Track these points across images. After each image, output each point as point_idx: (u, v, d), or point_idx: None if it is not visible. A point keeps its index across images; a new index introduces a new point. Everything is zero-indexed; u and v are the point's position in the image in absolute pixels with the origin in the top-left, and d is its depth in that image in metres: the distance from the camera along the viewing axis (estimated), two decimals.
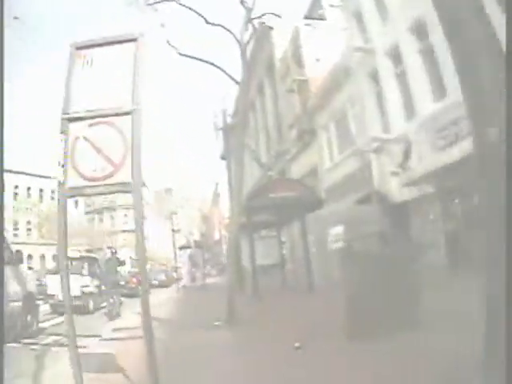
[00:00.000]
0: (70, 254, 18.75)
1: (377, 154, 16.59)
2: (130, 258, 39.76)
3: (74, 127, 3.68)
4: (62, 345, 7.36)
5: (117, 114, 3.65)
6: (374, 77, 16.89)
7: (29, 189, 68.09)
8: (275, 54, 27.13)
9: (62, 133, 3.66)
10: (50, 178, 67.21)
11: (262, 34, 24.26)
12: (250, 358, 6.16)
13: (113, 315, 13.69)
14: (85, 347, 6.65)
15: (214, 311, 10.75)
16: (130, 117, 3.58)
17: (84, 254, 17.72)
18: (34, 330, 9.04)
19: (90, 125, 3.65)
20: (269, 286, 16.72)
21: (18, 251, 8.97)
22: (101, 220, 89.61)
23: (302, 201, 14.77)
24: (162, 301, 19.25)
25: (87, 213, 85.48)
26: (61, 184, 3.75)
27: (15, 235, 60.83)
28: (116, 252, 18.77)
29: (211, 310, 11.64)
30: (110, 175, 3.58)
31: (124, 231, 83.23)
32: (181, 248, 28.80)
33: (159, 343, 4.38)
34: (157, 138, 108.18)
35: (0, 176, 5.15)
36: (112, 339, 8.46)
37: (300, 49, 23.60)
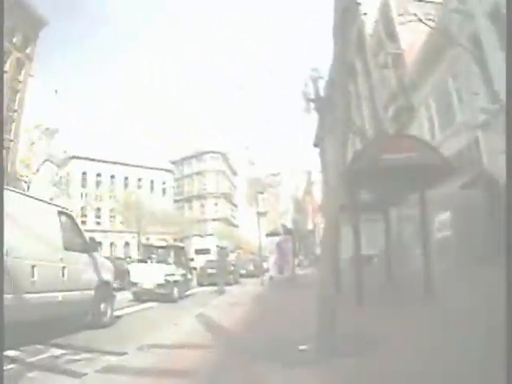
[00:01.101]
0: (157, 243, 19.30)
1: (484, 129, 14.80)
2: (217, 246, 40.10)
3: None
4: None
5: None
6: (476, 42, 15.02)
7: (112, 177, 71.56)
8: (365, 29, 25.79)
9: None
10: (126, 164, 71.42)
11: (351, 9, 22.93)
12: None
13: (221, 292, 17.53)
14: None
15: (299, 322, 7.62)
16: None
17: (170, 243, 18.00)
18: (107, 319, 8.95)
19: None
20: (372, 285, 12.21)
21: (91, 238, 8.87)
22: (190, 208, 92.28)
23: (428, 167, 9.66)
24: (238, 296, 15.90)
25: (176, 201, 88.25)
26: None
27: (98, 223, 64.28)
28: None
29: (296, 318, 8.50)
30: None
31: (214, 220, 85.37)
32: (268, 235, 26.22)
33: None
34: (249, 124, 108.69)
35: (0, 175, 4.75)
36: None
37: (392, 20, 22.06)
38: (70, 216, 8.55)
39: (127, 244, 63.38)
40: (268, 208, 48.88)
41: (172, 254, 17.16)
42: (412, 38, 19.90)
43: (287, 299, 13.98)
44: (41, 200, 7.81)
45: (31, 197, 7.56)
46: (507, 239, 2.88)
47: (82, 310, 8.18)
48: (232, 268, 25.97)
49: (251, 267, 34.19)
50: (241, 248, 66.11)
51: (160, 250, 17.78)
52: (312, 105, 22.59)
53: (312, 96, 22.24)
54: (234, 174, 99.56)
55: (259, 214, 27.24)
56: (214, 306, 12.66)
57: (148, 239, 19.00)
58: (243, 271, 32.04)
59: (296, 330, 6.91)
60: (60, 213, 7.98)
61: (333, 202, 6.36)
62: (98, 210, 63.73)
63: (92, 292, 8.39)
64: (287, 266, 23.19)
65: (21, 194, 7.01)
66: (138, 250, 54.00)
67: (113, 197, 61.07)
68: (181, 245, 20.38)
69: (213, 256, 35.79)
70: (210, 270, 24.52)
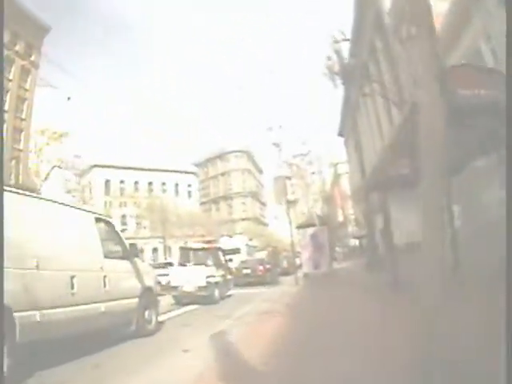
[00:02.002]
0: (195, 245, 19.08)
1: None
2: (247, 245, 39.44)
3: None
4: None
5: None
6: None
7: (136, 183, 71.18)
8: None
9: None
10: (149, 169, 71.52)
11: None
12: None
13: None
14: None
15: (346, 337, 6.14)
16: None
17: (209, 244, 17.80)
18: (152, 327, 8.54)
19: None
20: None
21: (132, 244, 8.47)
22: (217, 209, 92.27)
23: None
24: (270, 301, 12.78)
25: (202, 203, 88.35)
26: None
27: (123, 230, 64.43)
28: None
29: (341, 331, 6.77)
30: None
31: (243, 219, 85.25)
32: (299, 226, 24.05)
33: None
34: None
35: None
36: None
37: None
38: (108, 222, 8.19)
39: (155, 250, 63.54)
40: (298, 196, 47.11)
41: (211, 255, 16.94)
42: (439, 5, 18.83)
43: (331, 304, 10.58)
44: (77, 207, 7.46)
45: (66, 204, 7.19)
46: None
47: (126, 319, 7.79)
48: (268, 266, 24.93)
49: (284, 264, 32.70)
50: (272, 246, 65.71)
51: (198, 253, 17.57)
52: (338, 78, 21.22)
53: (337, 69, 20.71)
54: (260, 171, 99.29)
55: (289, 203, 24.71)
56: (238, 318, 9.71)
57: (186, 243, 18.85)
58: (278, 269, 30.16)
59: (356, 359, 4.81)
60: (98, 219, 7.61)
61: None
62: (123, 217, 63.69)
63: (136, 300, 7.99)
64: (323, 260, 21.20)
65: (53, 201, 6.63)
66: (164, 254, 54.10)
67: (137, 203, 60.98)
68: (218, 246, 20.05)
69: (244, 256, 35.37)
70: (245, 271, 23.82)
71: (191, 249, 18.20)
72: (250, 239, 50.10)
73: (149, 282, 8.76)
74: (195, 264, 16.38)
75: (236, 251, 34.74)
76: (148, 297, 8.49)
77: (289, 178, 28.20)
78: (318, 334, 6.74)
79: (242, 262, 27.46)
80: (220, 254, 17.89)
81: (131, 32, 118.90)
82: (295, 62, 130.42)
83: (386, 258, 13.93)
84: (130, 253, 8.33)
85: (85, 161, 50.01)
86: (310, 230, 21.50)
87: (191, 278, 14.87)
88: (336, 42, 20.42)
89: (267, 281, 22.86)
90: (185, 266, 16.73)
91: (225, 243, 43.91)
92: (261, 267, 23.94)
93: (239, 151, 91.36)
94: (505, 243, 2.67)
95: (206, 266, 15.90)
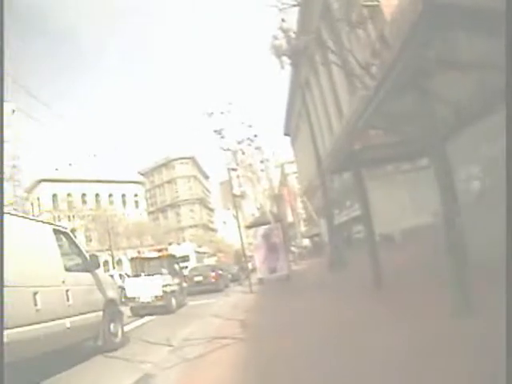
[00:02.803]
0: (147, 254, 18.32)
1: None
2: (195, 252, 38.95)
3: None
4: None
5: None
6: None
7: (83, 195, 69.80)
8: None
9: None
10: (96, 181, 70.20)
11: None
12: None
13: None
14: None
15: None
16: None
17: (162, 252, 17.22)
18: (119, 340, 8.22)
19: None
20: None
21: (92, 255, 8.13)
22: (165, 218, 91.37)
23: None
24: (221, 316, 10.52)
25: (150, 212, 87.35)
26: None
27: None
28: None
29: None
30: None
31: (192, 226, 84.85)
32: (249, 226, 20.80)
33: None
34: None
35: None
36: None
37: None
38: (66, 234, 7.81)
39: (106, 262, 62.00)
40: (247, 190, 45.78)
41: (165, 263, 16.54)
42: None
43: (296, 321, 7.78)
44: (33, 219, 7.09)
45: (21, 216, 6.81)
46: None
47: (92, 333, 7.48)
48: (220, 272, 23.94)
49: (235, 270, 30.50)
50: (222, 252, 65.44)
51: (152, 262, 17.04)
52: (285, 59, 19.20)
53: (285, 49, 18.59)
54: (206, 177, 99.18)
55: (235, 199, 19.82)
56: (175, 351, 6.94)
57: (140, 253, 17.51)
58: (230, 275, 27.95)
59: None
60: (55, 231, 7.25)
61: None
62: (73, 230, 61.88)
63: (100, 313, 7.69)
64: (280, 262, 18.79)
65: (11, 214, 6.25)
66: (113, 266, 52.83)
67: (84, 216, 59.85)
68: (173, 253, 19.43)
69: (193, 262, 34.94)
70: (196, 278, 22.67)
71: (144, 258, 17.58)
72: (199, 246, 49.68)
73: (111, 293, 8.47)
74: (150, 274, 15.86)
75: (185, 259, 34.18)
76: (112, 309, 8.21)
77: (234, 169, 23.77)
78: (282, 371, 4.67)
79: (193, 269, 26.35)
80: (174, 261, 17.51)
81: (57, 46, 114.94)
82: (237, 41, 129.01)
83: (364, 252, 11.13)
84: (91, 264, 8.01)
85: (26, 174, 48.28)
86: (262, 230, 19.14)
87: (147, 288, 14.46)
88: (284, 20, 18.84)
89: (220, 288, 22.06)
90: (139, 276, 16.24)
91: (173, 251, 42.92)
92: (213, 274, 22.89)
93: (184, 158, 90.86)
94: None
95: (161, 274, 15.51)
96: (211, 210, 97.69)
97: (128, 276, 21.71)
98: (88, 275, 7.79)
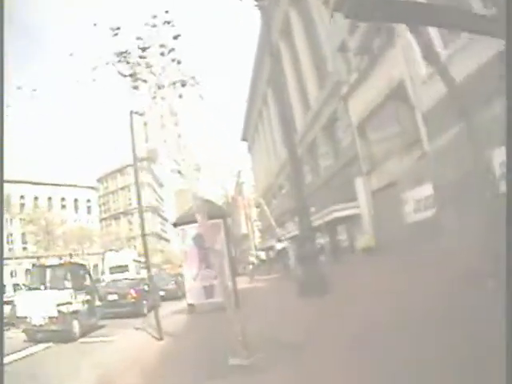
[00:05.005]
0: (48, 261, 14.71)
1: None
2: (135, 261, 33.54)
3: None
4: None
5: None
6: None
7: (36, 198, 67.11)
8: None
9: None
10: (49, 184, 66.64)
11: None
12: None
13: None
14: None
15: None
16: None
17: (66, 259, 13.86)
18: None
19: None
20: None
21: None
22: (118, 225, 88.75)
23: None
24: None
25: (103, 219, 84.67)
26: None
27: (10, 250, 57.37)
28: None
29: None
30: None
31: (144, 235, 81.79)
32: (177, 223, 14.53)
33: None
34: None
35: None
36: None
37: None
38: None
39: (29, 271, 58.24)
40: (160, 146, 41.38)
41: (69, 275, 12.67)
42: None
43: None
44: None
45: None
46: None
47: None
48: (146, 287, 18.01)
49: (171, 286, 23.98)
50: (170, 263, 62.55)
51: (54, 272, 12.88)
52: None
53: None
54: (161, 185, 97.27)
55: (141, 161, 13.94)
56: None
57: (38, 259, 13.85)
58: (162, 293, 22.10)
59: None
60: None
61: None
62: (24, 235, 58.36)
63: None
64: (221, 281, 9.93)
65: None
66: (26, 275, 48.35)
67: (27, 219, 56.28)
68: (81, 262, 15.86)
69: (132, 273, 29.64)
70: (110, 297, 16.77)
71: (44, 266, 13.33)
72: (143, 254, 45.50)
73: None
74: (51, 287, 12.21)
75: (123, 269, 30.06)
76: None
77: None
78: None
79: (108, 283, 20.93)
80: (82, 272, 13.81)
81: None
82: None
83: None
84: None
85: None
86: (194, 230, 12.36)
87: (39, 306, 11.26)
88: None
89: (141, 311, 16.76)
90: (38, 289, 12.41)
91: (110, 259, 36.63)
92: (132, 291, 17.06)
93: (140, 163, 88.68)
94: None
95: (60, 289, 12.00)
96: (165, 219, 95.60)
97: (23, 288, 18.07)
98: None
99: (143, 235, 12.25)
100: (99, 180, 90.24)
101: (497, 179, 10.41)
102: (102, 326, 13.62)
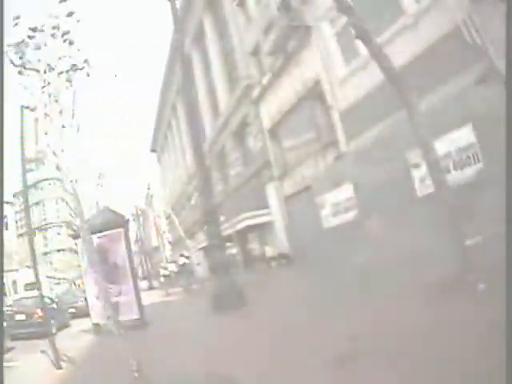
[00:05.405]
0: None
1: None
2: (47, 277, 32.20)
3: None
4: None
5: None
6: None
7: None
8: None
9: None
10: None
11: None
12: None
13: None
14: None
15: None
16: None
17: None
18: None
19: None
20: None
21: None
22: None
23: None
24: None
25: (19, 235, 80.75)
26: None
27: None
28: None
29: None
30: None
31: (59, 250, 78.29)
32: (74, 235, 14.60)
33: None
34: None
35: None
36: None
37: None
38: None
39: None
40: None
41: None
42: None
43: None
44: None
45: None
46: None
47: None
48: (55, 306, 16.84)
49: (80, 302, 22.08)
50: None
51: None
52: None
53: None
54: (76, 199, 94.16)
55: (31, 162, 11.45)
56: None
57: None
58: (73, 310, 21.34)
59: None
60: None
61: None
62: None
63: None
64: (126, 297, 11.77)
65: None
66: None
67: None
68: None
69: (46, 291, 27.61)
70: (18, 316, 15.19)
71: None
72: (56, 269, 43.09)
73: None
74: None
75: (35, 286, 27.70)
76: None
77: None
78: None
79: (15, 301, 18.54)
80: None
81: None
82: None
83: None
84: None
85: None
86: (95, 240, 10.82)
87: None
88: None
89: (48, 331, 14.68)
90: None
91: (25, 276, 33.44)
92: (38, 310, 14.84)
93: (52, 179, 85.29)
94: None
95: None
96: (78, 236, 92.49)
97: None
98: None
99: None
100: (15, 195, 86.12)
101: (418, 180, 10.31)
102: (10, 349, 12.14)
